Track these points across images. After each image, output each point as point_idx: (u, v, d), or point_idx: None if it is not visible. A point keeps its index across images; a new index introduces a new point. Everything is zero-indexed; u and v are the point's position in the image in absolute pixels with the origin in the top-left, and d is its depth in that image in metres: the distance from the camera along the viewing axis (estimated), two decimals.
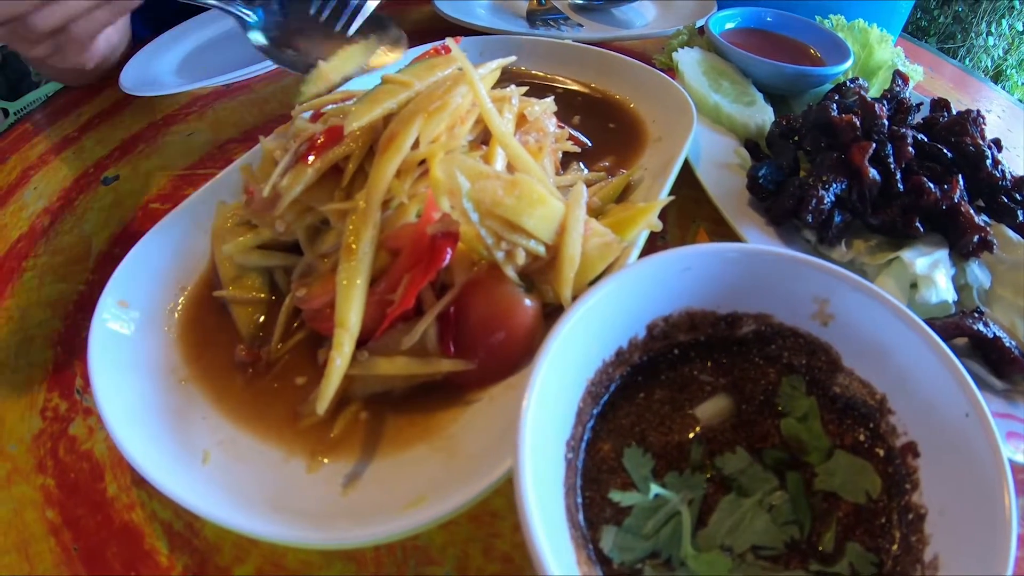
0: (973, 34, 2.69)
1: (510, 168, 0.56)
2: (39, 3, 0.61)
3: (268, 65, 0.88)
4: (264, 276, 0.61)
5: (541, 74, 0.88)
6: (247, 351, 0.55)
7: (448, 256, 0.48)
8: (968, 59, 2.69)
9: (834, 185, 0.63)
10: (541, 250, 0.50)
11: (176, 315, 0.61)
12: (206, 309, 0.61)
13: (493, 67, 0.61)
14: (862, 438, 0.44)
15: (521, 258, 0.49)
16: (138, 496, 0.53)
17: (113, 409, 0.49)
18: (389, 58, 0.73)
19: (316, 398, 0.50)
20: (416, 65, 0.61)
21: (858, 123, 0.67)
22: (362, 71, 0.73)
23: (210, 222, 0.65)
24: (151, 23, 1.25)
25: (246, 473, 0.48)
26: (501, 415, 0.49)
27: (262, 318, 0.59)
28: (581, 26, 1.03)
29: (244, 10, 0.74)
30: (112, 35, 0.76)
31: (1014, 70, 2.80)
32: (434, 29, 1.10)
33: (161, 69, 1.02)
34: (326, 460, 0.49)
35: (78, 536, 0.51)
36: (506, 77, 0.77)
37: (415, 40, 0.91)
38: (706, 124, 0.77)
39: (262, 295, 0.60)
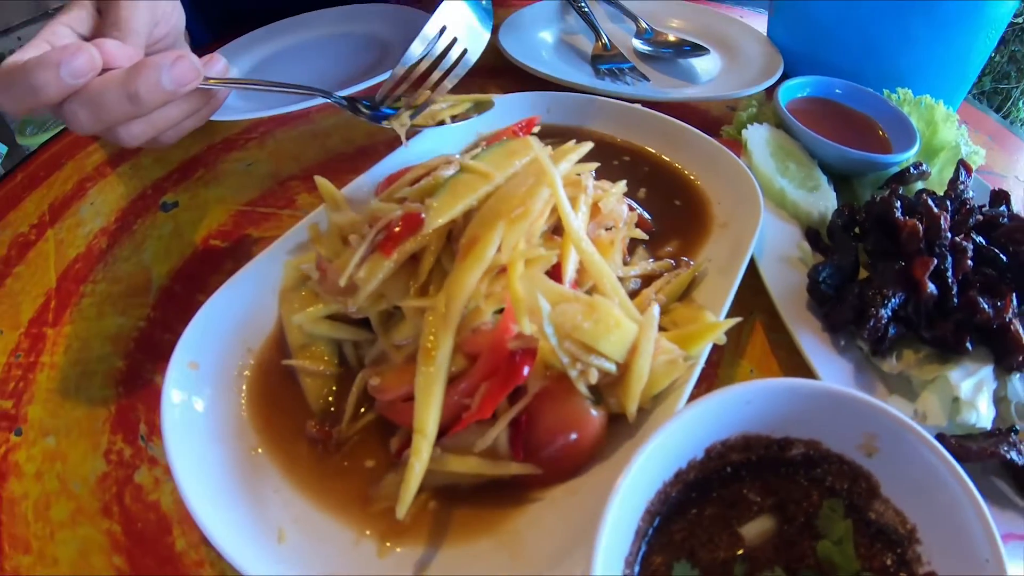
0: None
1: (581, 271, 0.57)
2: (122, 118, 0.56)
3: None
4: (333, 346, 0.63)
5: (609, 136, 0.87)
6: (318, 428, 0.57)
7: (526, 372, 0.49)
8: (1022, 101, 2.61)
9: (893, 300, 0.64)
10: (612, 368, 0.51)
11: (245, 379, 0.61)
12: (275, 374, 0.62)
13: (575, 159, 0.61)
14: (889, 563, 0.46)
15: (594, 377, 0.50)
16: (207, 554, 0.54)
17: (192, 485, 0.50)
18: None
19: (386, 486, 0.54)
20: (494, 149, 0.61)
21: (921, 229, 0.67)
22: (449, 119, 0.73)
23: (275, 280, 0.66)
24: (213, 27, 1.20)
25: (319, 555, 0.51)
26: (564, 518, 0.52)
27: (332, 391, 0.61)
28: (648, 79, 1.01)
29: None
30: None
31: None
32: (496, 67, 1.08)
33: None
34: (395, 546, 0.52)
35: None
36: (573, 134, 0.76)
37: (476, 75, 0.89)
38: (770, 209, 0.77)
39: (331, 368, 0.62)
